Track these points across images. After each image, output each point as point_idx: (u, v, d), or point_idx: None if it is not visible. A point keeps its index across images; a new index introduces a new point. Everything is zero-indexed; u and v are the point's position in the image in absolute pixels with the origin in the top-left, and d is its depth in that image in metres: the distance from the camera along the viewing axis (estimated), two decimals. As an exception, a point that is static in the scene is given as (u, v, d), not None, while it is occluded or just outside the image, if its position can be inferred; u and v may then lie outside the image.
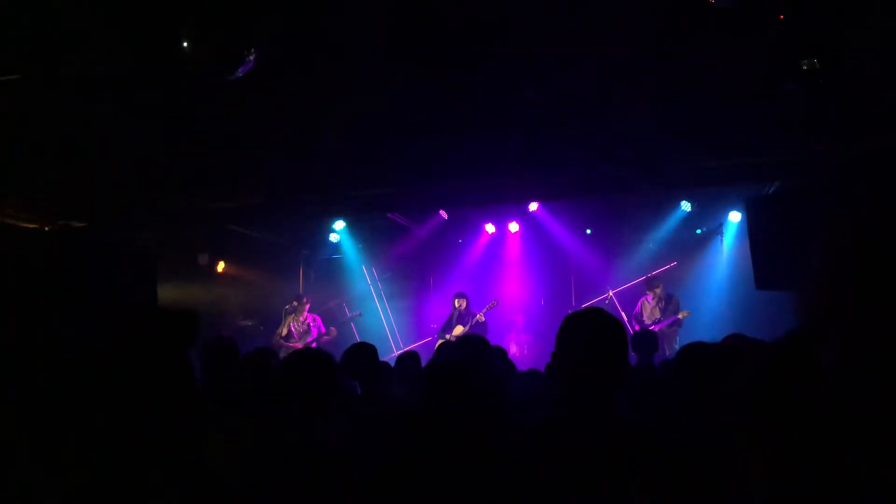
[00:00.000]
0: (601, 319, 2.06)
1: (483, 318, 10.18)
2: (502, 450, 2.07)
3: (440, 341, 9.56)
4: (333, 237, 12.06)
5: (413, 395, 4.25)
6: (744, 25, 5.08)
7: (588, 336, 2.00)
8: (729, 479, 1.56)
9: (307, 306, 10.51)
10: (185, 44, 3.95)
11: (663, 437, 1.89)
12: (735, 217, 10.74)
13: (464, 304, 10.38)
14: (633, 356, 5.89)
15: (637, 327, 9.76)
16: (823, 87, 5.31)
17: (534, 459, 1.91)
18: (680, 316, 9.89)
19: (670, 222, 11.17)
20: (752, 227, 7.14)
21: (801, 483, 1.23)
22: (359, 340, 4.56)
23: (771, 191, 8.12)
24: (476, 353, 4.27)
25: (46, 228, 8.00)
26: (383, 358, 4.83)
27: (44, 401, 2.73)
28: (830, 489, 1.21)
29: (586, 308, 2.14)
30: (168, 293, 8.39)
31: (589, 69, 5.81)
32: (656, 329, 9.34)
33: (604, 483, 1.79)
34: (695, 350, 2.87)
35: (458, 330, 10.01)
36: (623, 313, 10.38)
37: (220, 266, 11.38)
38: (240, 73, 4.17)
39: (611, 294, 10.95)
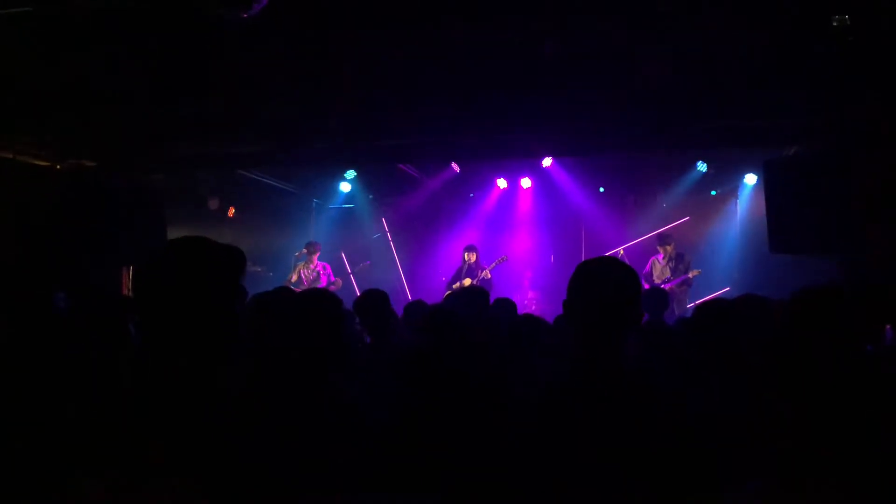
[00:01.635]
0: (614, 267, 2.04)
1: (489, 276, 10.16)
2: (511, 396, 2.05)
3: (448, 292, 9.58)
4: (345, 186, 12.01)
5: (421, 343, 4.27)
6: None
7: (600, 283, 1.98)
8: (745, 432, 1.55)
9: (317, 254, 10.52)
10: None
11: (674, 388, 1.88)
12: (751, 179, 10.62)
13: (473, 258, 10.37)
14: (643, 314, 5.86)
15: (647, 286, 9.73)
16: (849, 48, 5.17)
17: (543, 406, 1.89)
18: (690, 275, 9.83)
19: (685, 183, 11.06)
20: (769, 190, 7.04)
21: (827, 438, 1.21)
22: (368, 289, 4.55)
23: (790, 153, 8.00)
24: (474, 303, 4.29)
25: (58, 167, 7.99)
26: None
27: (65, 327, 2.74)
28: (854, 441, 1.20)
29: (599, 257, 2.10)
30: (178, 235, 8.40)
31: (607, 26, 5.68)
32: (666, 287, 9.31)
33: (612, 431, 1.77)
34: (714, 307, 2.84)
35: (467, 282, 10.02)
36: (633, 272, 10.32)
37: (231, 211, 11.38)
38: (255, 9, 4.07)
39: (622, 252, 10.91)
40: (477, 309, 4.44)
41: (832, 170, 6.39)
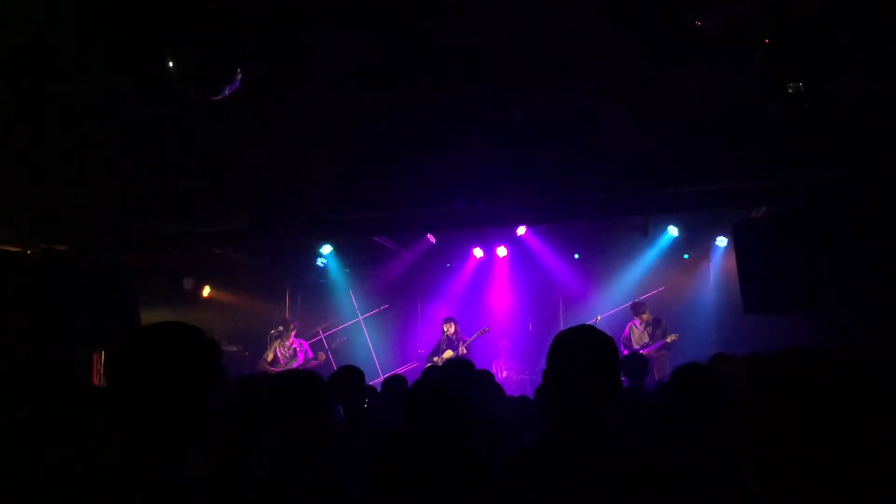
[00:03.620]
0: (592, 336, 2.05)
1: (465, 350, 10.06)
2: (488, 473, 2.01)
3: (428, 365, 9.48)
4: (320, 261, 11.98)
5: (399, 423, 4.19)
6: (730, 49, 5.11)
7: (580, 352, 1.99)
8: (724, 498, 1.52)
9: (294, 331, 10.40)
10: (171, 63, 3.91)
11: (656, 458, 1.85)
12: (722, 242, 10.76)
13: (452, 329, 10.31)
14: (623, 380, 5.82)
15: (626, 352, 9.70)
16: (809, 112, 5.34)
17: (523, 482, 1.86)
18: (668, 340, 9.84)
19: (658, 247, 11.18)
20: (740, 252, 7.12)
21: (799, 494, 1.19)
22: (343, 366, 4.48)
23: (759, 215, 8.14)
24: (460, 377, 4.21)
25: (28, 252, 7.90)
26: (369, 383, 4.75)
27: (32, 415, 2.65)
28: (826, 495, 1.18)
29: (577, 326, 2.11)
30: (152, 317, 8.27)
31: (575, 93, 5.82)
32: (645, 353, 9.31)
33: (594, 499, 1.73)
34: (690, 372, 2.83)
35: (448, 355, 9.94)
36: (611, 338, 10.30)
37: (206, 290, 11.28)
38: (227, 92, 4.13)
39: (599, 319, 10.92)
40: (462, 384, 4.34)
41: (800, 229, 6.50)
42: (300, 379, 2.79)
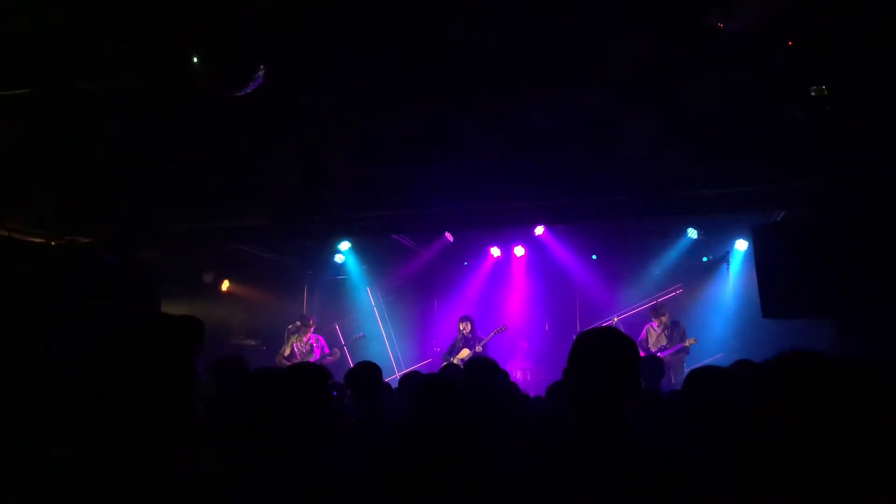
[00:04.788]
0: (614, 337, 2.05)
1: (481, 349, 10.05)
2: (505, 469, 2.03)
3: (444, 364, 9.49)
4: (338, 258, 12.05)
5: (414, 416, 4.20)
6: (752, 52, 5.09)
7: (601, 353, 1.99)
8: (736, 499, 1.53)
9: (312, 327, 10.46)
10: (195, 58, 3.96)
11: (671, 458, 1.86)
12: (741, 245, 10.69)
13: (468, 328, 10.30)
14: (639, 382, 5.81)
15: (643, 354, 9.66)
16: (831, 115, 5.31)
17: (539, 479, 1.87)
18: (686, 343, 9.80)
19: (676, 249, 11.13)
20: (759, 255, 7.10)
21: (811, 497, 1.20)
22: (360, 361, 4.51)
23: (778, 219, 8.09)
24: (484, 374, 4.20)
25: (52, 244, 8.01)
26: (386, 379, 4.78)
27: (45, 409, 2.70)
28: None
29: (599, 326, 2.12)
30: (172, 310, 8.34)
31: (596, 94, 5.83)
32: (662, 356, 9.26)
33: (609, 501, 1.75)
34: (704, 374, 2.84)
35: (464, 353, 9.94)
36: (628, 340, 10.27)
37: (225, 285, 11.37)
38: (249, 88, 4.17)
39: (616, 320, 10.88)
40: (485, 381, 4.28)
41: (820, 233, 6.47)
42: (304, 370, 2.82)
